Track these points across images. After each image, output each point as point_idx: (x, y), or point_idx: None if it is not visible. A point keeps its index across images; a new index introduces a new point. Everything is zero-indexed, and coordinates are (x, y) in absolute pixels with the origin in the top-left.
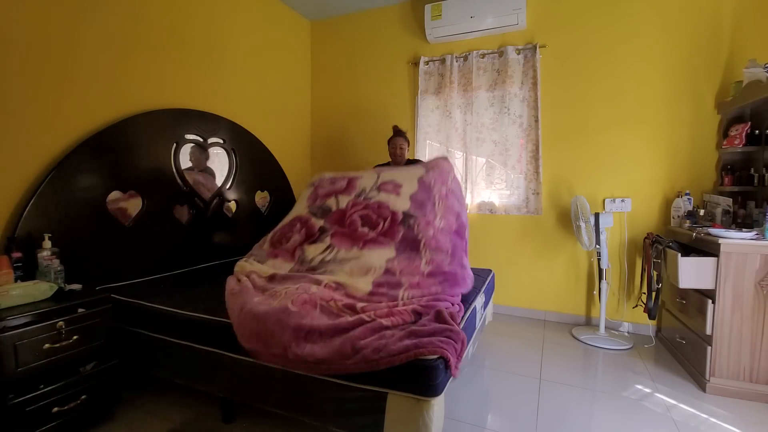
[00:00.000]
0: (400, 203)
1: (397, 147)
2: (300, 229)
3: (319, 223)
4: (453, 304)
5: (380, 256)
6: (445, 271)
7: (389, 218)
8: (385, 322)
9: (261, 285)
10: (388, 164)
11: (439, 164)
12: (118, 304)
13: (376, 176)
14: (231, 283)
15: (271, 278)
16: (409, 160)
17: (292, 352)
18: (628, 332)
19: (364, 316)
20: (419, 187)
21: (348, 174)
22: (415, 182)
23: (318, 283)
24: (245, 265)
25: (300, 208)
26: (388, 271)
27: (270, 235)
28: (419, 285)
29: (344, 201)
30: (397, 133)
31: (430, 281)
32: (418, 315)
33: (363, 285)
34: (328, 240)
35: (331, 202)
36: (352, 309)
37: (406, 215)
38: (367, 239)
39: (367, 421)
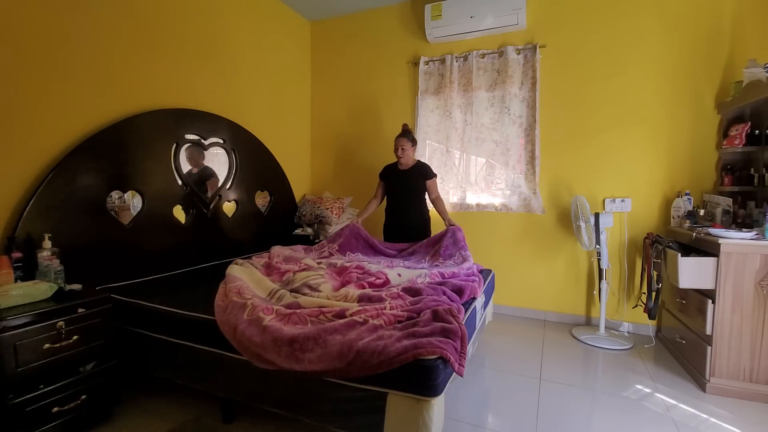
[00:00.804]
0: (392, 276)
1: (398, 147)
2: (302, 267)
3: (319, 265)
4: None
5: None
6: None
7: (384, 279)
8: (377, 321)
9: (242, 302)
10: (394, 165)
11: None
12: (118, 304)
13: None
14: (219, 294)
15: (255, 295)
16: (418, 162)
17: (295, 368)
18: (628, 332)
19: (356, 317)
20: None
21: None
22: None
23: (301, 306)
24: (237, 267)
25: (308, 260)
26: (366, 294)
27: (271, 256)
28: (401, 297)
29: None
30: (402, 132)
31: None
32: (410, 316)
33: (345, 304)
34: (321, 272)
35: (337, 261)
36: (342, 316)
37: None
38: (352, 282)
39: (367, 421)
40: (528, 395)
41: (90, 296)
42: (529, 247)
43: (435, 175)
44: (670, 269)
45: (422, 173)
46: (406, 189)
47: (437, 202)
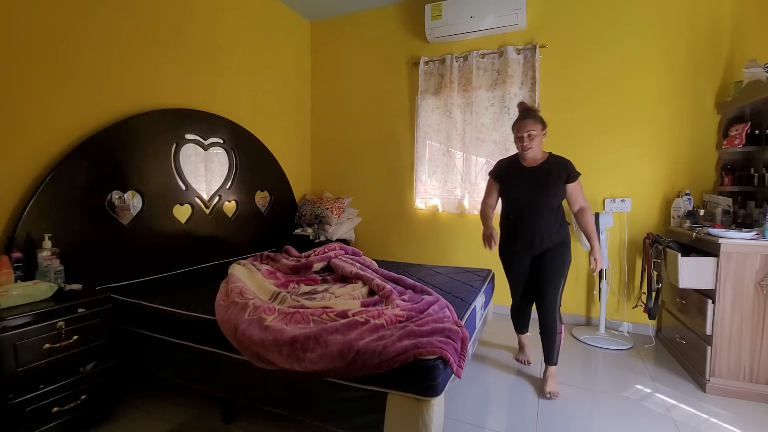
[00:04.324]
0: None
1: (522, 135)
2: (305, 280)
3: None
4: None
5: (365, 288)
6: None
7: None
8: (378, 321)
9: (244, 302)
10: (514, 160)
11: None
12: (118, 304)
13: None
14: (220, 293)
15: (257, 297)
16: (551, 156)
17: (296, 368)
18: (628, 332)
19: (357, 318)
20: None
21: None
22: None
23: (304, 307)
24: (240, 268)
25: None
26: (372, 294)
27: (276, 264)
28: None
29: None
30: (525, 112)
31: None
32: (411, 316)
33: (351, 305)
34: (324, 284)
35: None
36: (344, 316)
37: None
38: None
39: (367, 421)
40: (528, 395)
41: (90, 296)
42: None
43: (579, 174)
44: (670, 269)
45: (561, 172)
46: (535, 197)
47: (582, 215)
